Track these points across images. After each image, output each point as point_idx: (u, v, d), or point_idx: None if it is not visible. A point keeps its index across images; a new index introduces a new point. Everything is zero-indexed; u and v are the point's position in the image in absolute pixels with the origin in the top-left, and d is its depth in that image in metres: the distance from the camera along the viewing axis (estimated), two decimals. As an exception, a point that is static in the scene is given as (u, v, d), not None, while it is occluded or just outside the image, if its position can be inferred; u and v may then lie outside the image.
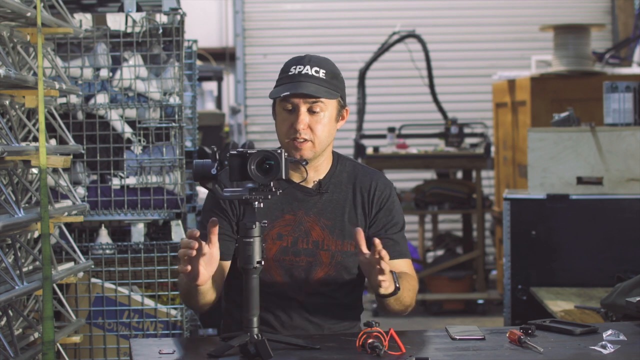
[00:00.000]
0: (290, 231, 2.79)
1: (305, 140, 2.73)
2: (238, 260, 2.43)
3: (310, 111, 2.74)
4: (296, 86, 2.72)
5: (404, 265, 2.83)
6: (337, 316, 2.84)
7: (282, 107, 2.78)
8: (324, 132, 2.75)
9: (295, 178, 2.82)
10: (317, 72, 2.74)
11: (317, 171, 2.83)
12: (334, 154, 2.89)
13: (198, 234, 2.39)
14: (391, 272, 2.58)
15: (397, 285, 2.61)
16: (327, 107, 2.76)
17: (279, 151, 2.43)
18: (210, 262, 2.46)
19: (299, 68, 2.75)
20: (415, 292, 2.80)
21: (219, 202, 2.79)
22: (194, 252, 2.39)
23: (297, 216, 2.80)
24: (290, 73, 2.76)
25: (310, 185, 2.83)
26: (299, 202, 2.81)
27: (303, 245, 2.79)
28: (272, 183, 2.42)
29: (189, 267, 2.43)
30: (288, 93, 2.71)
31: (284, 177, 2.42)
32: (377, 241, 2.47)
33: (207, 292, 2.61)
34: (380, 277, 2.50)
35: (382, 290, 2.57)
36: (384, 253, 2.47)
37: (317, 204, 2.81)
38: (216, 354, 2.39)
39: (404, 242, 2.86)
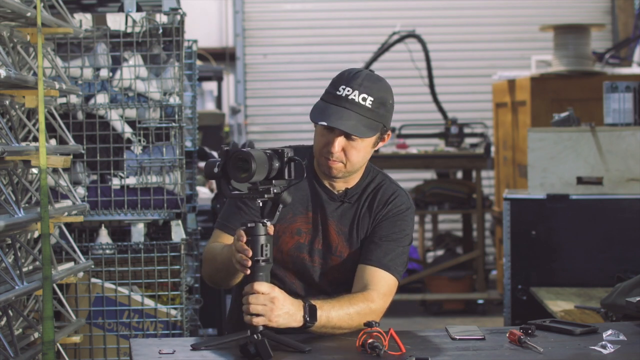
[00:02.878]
0: (310, 229, 2.81)
1: (337, 161, 2.73)
2: None
3: (348, 136, 2.70)
4: (336, 116, 2.66)
5: (377, 276, 2.73)
6: None
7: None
8: (358, 157, 2.74)
9: (325, 180, 2.83)
10: (364, 99, 2.67)
11: (347, 182, 2.83)
12: (368, 165, 2.88)
13: (245, 239, 2.45)
14: (306, 304, 2.54)
15: (307, 318, 2.53)
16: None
17: (268, 152, 2.46)
18: None
19: (347, 91, 2.67)
20: (367, 315, 2.64)
21: None
22: (250, 262, 2.45)
23: (317, 216, 2.81)
24: (338, 92, 2.69)
25: (337, 191, 2.83)
26: (322, 203, 2.82)
27: (318, 246, 2.80)
28: (254, 183, 2.45)
29: (248, 271, 2.48)
30: (325, 124, 2.66)
31: (260, 180, 2.44)
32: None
33: (240, 275, 2.66)
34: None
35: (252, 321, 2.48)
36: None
37: (338, 209, 2.82)
38: (198, 346, 2.47)
39: (393, 257, 2.77)
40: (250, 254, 2.44)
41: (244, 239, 2.46)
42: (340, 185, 2.83)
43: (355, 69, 2.75)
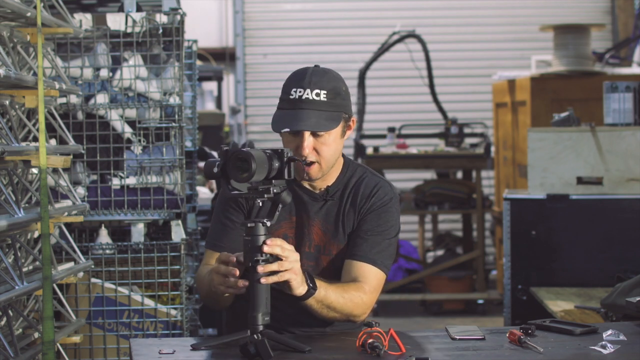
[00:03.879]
0: (295, 233, 2.81)
1: (312, 162, 2.73)
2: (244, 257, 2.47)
3: (315, 134, 2.71)
4: (296, 119, 2.67)
5: (365, 271, 2.75)
6: None
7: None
8: (329, 151, 2.74)
9: (305, 182, 2.83)
10: (317, 95, 2.69)
11: (325, 180, 2.83)
12: (345, 159, 2.88)
13: (234, 259, 2.44)
14: (305, 272, 2.57)
15: (310, 285, 2.56)
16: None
17: (268, 152, 2.45)
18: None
19: (299, 92, 2.69)
20: (359, 305, 2.69)
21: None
22: (240, 283, 2.44)
23: (302, 219, 2.81)
24: (291, 97, 2.71)
25: (317, 190, 2.83)
26: (304, 205, 2.82)
27: (305, 249, 2.80)
28: (252, 183, 2.44)
29: (235, 290, 2.47)
30: (288, 130, 2.69)
31: (259, 179, 2.44)
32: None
33: (232, 296, 2.64)
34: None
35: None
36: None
37: (322, 208, 2.82)
38: (198, 346, 2.46)
39: (379, 250, 2.78)
40: (237, 273, 2.44)
41: (233, 258, 2.45)
42: (320, 184, 2.83)
43: (300, 69, 2.76)
